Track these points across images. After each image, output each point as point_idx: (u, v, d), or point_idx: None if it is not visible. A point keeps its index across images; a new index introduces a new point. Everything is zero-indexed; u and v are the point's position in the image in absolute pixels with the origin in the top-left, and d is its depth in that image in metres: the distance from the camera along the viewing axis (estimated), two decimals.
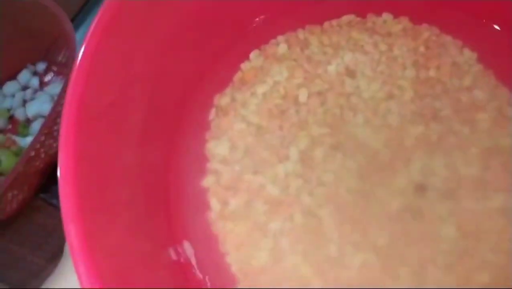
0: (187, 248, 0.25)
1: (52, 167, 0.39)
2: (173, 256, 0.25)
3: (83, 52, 0.21)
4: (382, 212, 0.25)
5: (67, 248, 0.20)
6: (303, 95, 0.28)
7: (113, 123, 0.23)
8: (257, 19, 0.30)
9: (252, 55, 0.30)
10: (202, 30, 0.28)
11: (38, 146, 0.37)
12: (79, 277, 0.18)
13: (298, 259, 0.25)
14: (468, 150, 0.26)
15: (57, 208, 0.31)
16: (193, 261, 0.25)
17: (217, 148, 0.28)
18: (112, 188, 0.22)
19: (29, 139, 0.43)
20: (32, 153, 0.37)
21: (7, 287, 0.36)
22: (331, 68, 0.29)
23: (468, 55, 0.29)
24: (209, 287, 0.24)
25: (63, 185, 0.19)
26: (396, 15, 0.30)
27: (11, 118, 0.46)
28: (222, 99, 0.29)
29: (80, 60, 0.21)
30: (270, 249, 0.25)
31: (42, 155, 0.38)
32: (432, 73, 0.28)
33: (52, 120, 0.36)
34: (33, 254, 0.39)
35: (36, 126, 0.45)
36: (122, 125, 0.24)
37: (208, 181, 0.27)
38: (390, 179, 0.26)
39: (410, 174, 0.26)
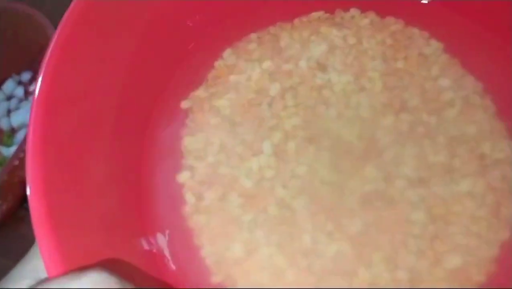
0: (160, 239, 0.26)
1: None
2: (145, 246, 0.25)
3: (51, 51, 0.22)
4: (355, 201, 0.26)
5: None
6: (274, 89, 0.29)
7: (83, 122, 0.23)
8: (229, 18, 0.31)
9: (225, 53, 0.30)
10: (173, 29, 0.29)
11: (22, 155, 0.38)
12: (45, 263, 0.18)
13: (272, 250, 0.25)
14: (436, 138, 0.27)
15: None
16: (166, 252, 0.25)
17: (192, 144, 0.28)
18: (82, 183, 0.22)
19: (13, 149, 0.44)
20: (16, 162, 0.38)
21: None
22: (302, 63, 0.29)
23: (435, 45, 0.29)
24: (182, 278, 0.25)
25: (32, 181, 0.19)
26: (363, 9, 0.31)
27: None
28: (197, 97, 0.29)
29: (47, 61, 0.21)
30: (245, 241, 0.26)
31: None
32: (400, 64, 0.29)
33: None
34: None
35: (20, 135, 0.45)
36: (92, 124, 0.24)
37: (183, 176, 0.28)
38: (363, 169, 0.27)
39: (382, 164, 0.27)
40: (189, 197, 0.27)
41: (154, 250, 0.25)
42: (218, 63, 0.30)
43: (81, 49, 0.23)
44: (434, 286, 0.24)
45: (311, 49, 0.30)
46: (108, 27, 0.25)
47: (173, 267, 0.25)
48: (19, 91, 0.48)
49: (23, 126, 0.46)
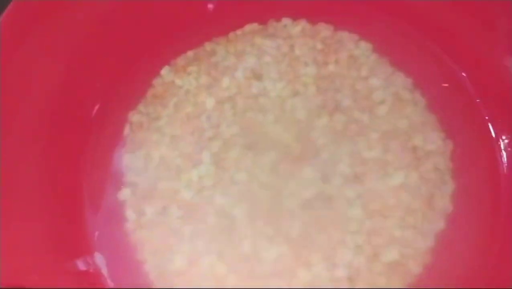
0: (99, 259, 0.26)
1: None
2: (81, 267, 0.25)
3: None
4: (294, 203, 0.26)
5: None
6: (211, 101, 0.29)
7: (8, 143, 0.24)
8: (166, 37, 0.31)
9: (163, 71, 0.31)
10: (111, 50, 0.30)
11: None
12: None
13: (213, 259, 0.25)
14: (370, 135, 0.27)
15: None
16: (105, 271, 0.25)
17: (132, 161, 0.29)
18: (9, 208, 0.22)
19: None
20: None
21: None
22: (238, 74, 0.30)
23: (364, 46, 0.30)
24: None
25: None
26: (295, 18, 0.31)
27: None
28: (136, 116, 0.30)
29: None
30: (186, 252, 0.26)
31: None
32: (331, 67, 0.30)
33: None
34: None
35: None
36: (20, 148, 0.24)
37: (124, 194, 0.28)
38: (301, 171, 0.27)
39: (319, 164, 0.27)
40: (130, 214, 0.27)
41: (91, 270, 0.25)
42: (156, 81, 0.31)
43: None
44: (373, 280, 0.24)
45: (246, 60, 0.30)
46: (40, 42, 0.25)
47: (111, 284, 0.25)
48: None
49: None
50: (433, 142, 0.27)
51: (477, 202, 0.25)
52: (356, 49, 0.30)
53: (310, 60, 0.30)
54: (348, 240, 0.25)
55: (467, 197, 0.26)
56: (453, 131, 0.27)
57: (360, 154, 0.27)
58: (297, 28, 0.31)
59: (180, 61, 0.31)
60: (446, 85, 0.29)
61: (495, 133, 0.27)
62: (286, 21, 0.32)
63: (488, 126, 0.27)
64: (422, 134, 0.27)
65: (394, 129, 0.27)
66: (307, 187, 0.26)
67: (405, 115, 0.28)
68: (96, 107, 0.30)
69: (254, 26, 0.32)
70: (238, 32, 0.32)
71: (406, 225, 0.25)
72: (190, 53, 0.31)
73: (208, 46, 0.31)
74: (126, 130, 0.30)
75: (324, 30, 0.31)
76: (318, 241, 0.25)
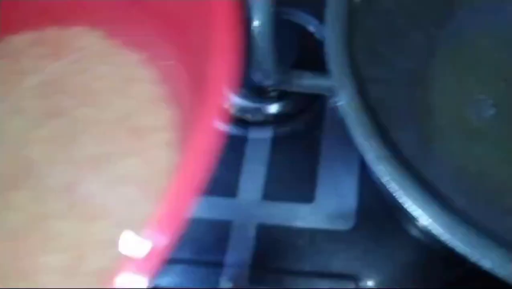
0: None
1: None
2: None
3: None
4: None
5: None
6: None
7: None
8: None
9: None
10: None
11: None
12: None
13: None
14: (91, 131, 0.22)
15: None
16: None
17: None
18: None
19: None
20: None
21: None
22: None
23: (95, 35, 0.25)
24: None
25: None
26: (20, 32, 0.27)
27: None
28: None
29: None
30: None
31: None
32: (56, 68, 0.25)
33: None
34: None
35: None
36: None
37: None
38: (12, 199, 0.21)
39: (32, 184, 0.21)
40: None
41: None
42: None
43: None
44: None
45: None
46: None
47: None
48: None
49: None
50: (158, 117, 0.21)
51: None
52: (86, 40, 0.25)
53: (34, 70, 0.25)
54: (52, 262, 0.18)
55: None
56: (182, 102, 0.22)
57: (78, 157, 0.21)
58: (21, 39, 0.26)
59: None
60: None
61: None
62: (10, 38, 0.27)
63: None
64: (148, 111, 0.22)
65: (119, 116, 0.22)
66: (16, 216, 0.20)
67: (132, 95, 0.23)
68: None
69: None
70: None
71: (122, 223, 0.19)
72: None
73: None
74: None
75: (52, 33, 0.26)
76: (21, 276, 0.19)
